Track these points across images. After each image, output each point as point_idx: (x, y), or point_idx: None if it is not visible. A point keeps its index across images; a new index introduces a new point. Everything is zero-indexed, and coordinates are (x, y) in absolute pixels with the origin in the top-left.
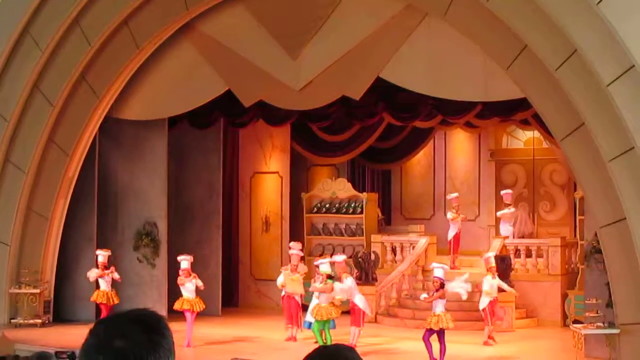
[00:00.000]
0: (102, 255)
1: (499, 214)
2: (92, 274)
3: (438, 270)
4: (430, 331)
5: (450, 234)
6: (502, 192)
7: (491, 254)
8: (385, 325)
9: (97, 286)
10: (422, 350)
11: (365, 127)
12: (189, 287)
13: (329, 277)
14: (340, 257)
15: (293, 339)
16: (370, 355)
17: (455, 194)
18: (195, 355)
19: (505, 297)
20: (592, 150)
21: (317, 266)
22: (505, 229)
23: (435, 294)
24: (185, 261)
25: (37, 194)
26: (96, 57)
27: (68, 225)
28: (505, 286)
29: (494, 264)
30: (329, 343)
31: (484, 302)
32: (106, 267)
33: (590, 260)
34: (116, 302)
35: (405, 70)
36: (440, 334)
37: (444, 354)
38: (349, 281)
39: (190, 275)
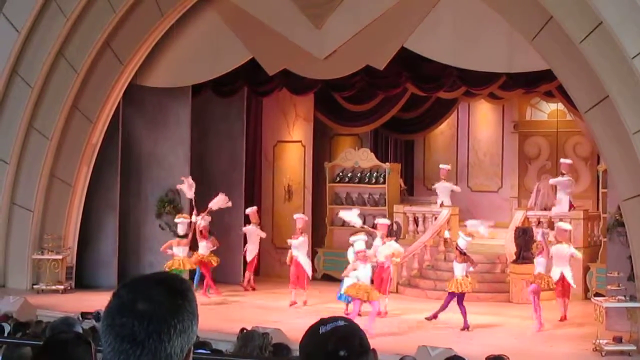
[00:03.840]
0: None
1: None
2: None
3: (461, 241)
4: (451, 295)
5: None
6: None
7: (565, 225)
8: (407, 295)
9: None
10: (443, 319)
11: (389, 97)
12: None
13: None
14: (384, 220)
15: (294, 302)
16: (390, 326)
17: (447, 166)
18: (215, 322)
19: (527, 270)
20: (616, 123)
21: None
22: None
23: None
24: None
25: (60, 161)
26: (121, 24)
27: (91, 192)
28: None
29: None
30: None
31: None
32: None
33: (612, 233)
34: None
35: (429, 40)
36: (460, 297)
37: (465, 316)
38: (392, 244)
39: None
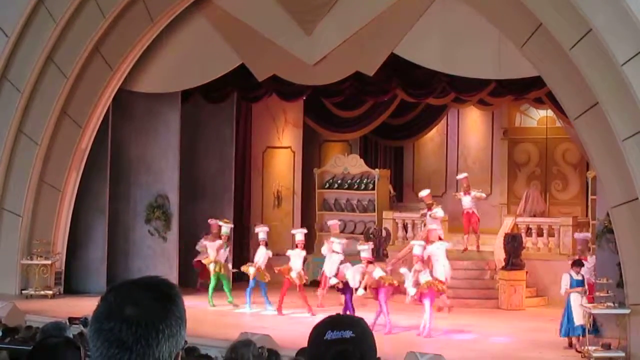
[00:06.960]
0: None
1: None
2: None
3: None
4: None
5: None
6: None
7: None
8: (395, 301)
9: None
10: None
11: (379, 103)
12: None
13: None
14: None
15: None
16: (379, 332)
17: (465, 174)
18: (204, 329)
19: (516, 276)
20: (605, 129)
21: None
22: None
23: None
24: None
25: (49, 166)
26: (110, 29)
27: (80, 197)
28: None
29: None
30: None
31: None
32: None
33: (601, 240)
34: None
35: (419, 46)
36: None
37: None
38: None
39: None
